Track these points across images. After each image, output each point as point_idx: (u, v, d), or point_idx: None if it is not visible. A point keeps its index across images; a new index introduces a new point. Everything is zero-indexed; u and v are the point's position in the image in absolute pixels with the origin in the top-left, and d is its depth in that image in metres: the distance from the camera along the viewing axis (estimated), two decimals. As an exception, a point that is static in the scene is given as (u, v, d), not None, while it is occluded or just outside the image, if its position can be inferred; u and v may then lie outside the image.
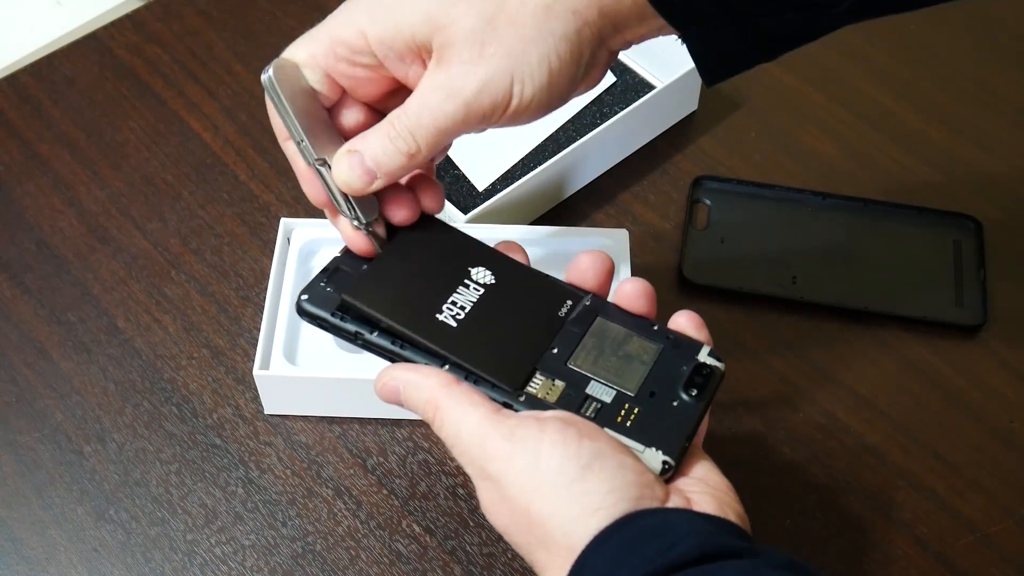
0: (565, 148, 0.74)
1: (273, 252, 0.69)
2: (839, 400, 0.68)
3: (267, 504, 0.64)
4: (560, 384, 0.49)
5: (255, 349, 0.65)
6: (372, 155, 0.51)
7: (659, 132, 0.81)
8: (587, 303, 0.53)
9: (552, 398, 0.49)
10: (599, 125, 0.75)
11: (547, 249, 0.69)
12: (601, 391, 0.49)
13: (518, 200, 0.71)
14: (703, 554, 0.42)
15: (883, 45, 0.86)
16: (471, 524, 0.63)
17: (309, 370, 0.65)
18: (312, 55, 0.51)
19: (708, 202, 0.76)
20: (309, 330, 0.67)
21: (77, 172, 0.79)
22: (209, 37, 0.87)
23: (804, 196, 0.76)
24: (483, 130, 0.53)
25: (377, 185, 0.51)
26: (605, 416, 0.48)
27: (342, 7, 0.51)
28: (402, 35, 0.50)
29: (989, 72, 0.85)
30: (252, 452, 0.66)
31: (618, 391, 0.49)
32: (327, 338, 0.65)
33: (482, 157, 0.74)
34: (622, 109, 0.76)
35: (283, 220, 0.70)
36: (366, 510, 0.64)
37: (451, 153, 0.75)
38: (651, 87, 0.80)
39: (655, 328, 0.52)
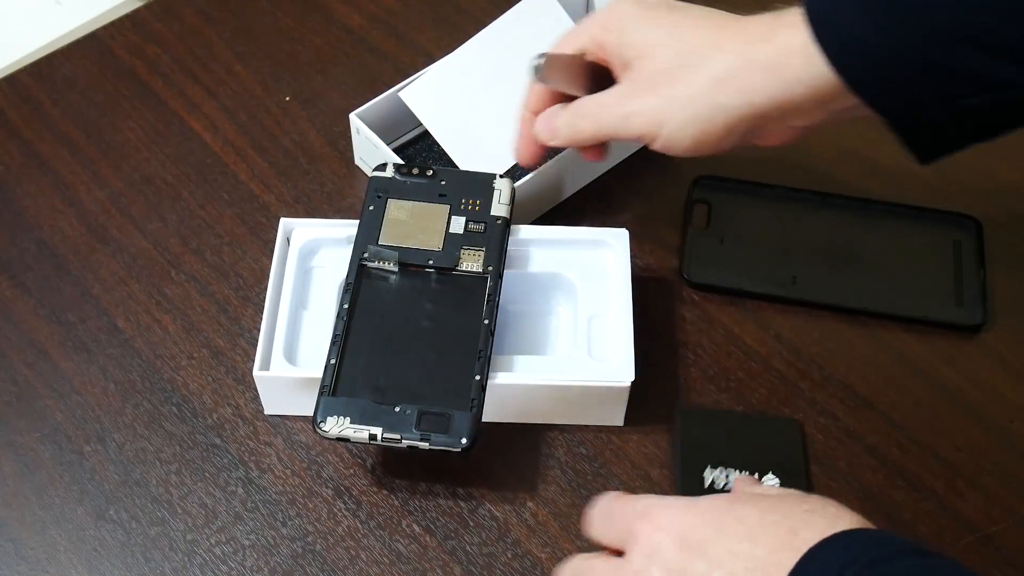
0: (565, 148, 0.73)
1: (273, 252, 0.69)
2: (839, 400, 0.68)
3: (267, 504, 0.64)
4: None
5: (255, 349, 0.65)
6: (560, 122, 0.65)
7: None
8: None
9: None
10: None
11: (546, 248, 0.69)
12: None
13: (518, 199, 0.71)
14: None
15: (883, 45, 0.86)
16: (471, 524, 0.63)
17: (309, 370, 0.65)
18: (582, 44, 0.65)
19: (708, 202, 0.76)
20: (309, 330, 0.67)
21: (77, 172, 0.79)
22: (209, 37, 0.87)
23: (804, 196, 0.76)
24: (641, 144, 0.64)
25: (554, 143, 0.66)
26: None
27: (601, 11, 0.64)
28: (622, 52, 0.62)
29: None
30: (252, 452, 0.66)
31: None
32: (327, 338, 0.65)
33: (481, 156, 0.74)
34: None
35: (283, 220, 0.70)
36: (366, 510, 0.64)
37: (451, 154, 0.75)
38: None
39: None
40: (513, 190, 0.68)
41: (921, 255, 0.74)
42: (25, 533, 0.63)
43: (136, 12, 0.89)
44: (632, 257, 0.68)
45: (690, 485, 0.63)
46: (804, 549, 0.45)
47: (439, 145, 0.74)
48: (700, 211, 0.76)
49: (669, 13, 0.61)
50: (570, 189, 0.77)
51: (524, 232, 0.69)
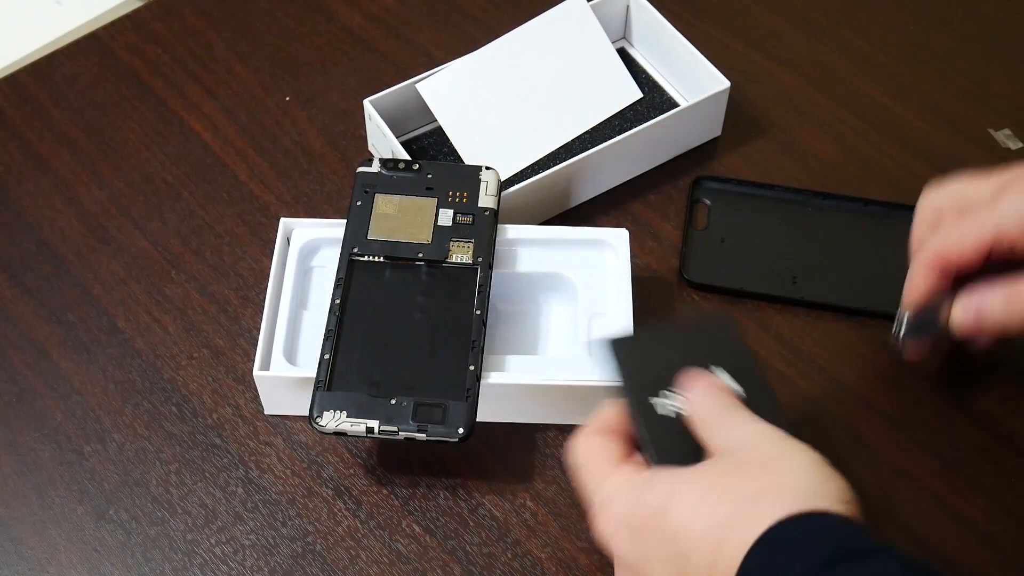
0: (561, 163, 0.72)
1: (273, 252, 0.69)
2: (839, 400, 0.68)
3: (267, 504, 0.64)
4: None
5: (255, 349, 0.65)
6: (989, 307, 0.58)
7: (673, 155, 0.79)
8: None
9: None
10: (609, 139, 0.73)
11: (547, 248, 0.69)
12: None
13: (527, 202, 0.71)
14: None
15: (883, 45, 0.86)
16: (471, 524, 0.63)
17: (309, 370, 0.65)
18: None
19: (708, 202, 0.76)
20: (309, 330, 0.67)
21: (77, 172, 0.79)
22: (209, 37, 0.87)
23: (804, 196, 0.76)
24: None
25: (982, 330, 0.58)
26: None
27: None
28: None
29: (989, 72, 0.85)
30: (252, 452, 0.66)
31: None
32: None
33: (490, 156, 0.74)
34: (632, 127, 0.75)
35: (283, 220, 0.70)
36: (366, 510, 0.64)
37: (461, 151, 0.75)
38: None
39: None
40: (500, 181, 0.68)
41: (921, 255, 0.73)
42: (25, 533, 0.63)
43: (136, 12, 0.89)
44: (632, 257, 0.68)
45: (645, 418, 0.55)
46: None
47: (451, 143, 0.74)
48: (700, 211, 0.76)
49: None
50: (581, 196, 0.76)
51: (525, 232, 0.69)
